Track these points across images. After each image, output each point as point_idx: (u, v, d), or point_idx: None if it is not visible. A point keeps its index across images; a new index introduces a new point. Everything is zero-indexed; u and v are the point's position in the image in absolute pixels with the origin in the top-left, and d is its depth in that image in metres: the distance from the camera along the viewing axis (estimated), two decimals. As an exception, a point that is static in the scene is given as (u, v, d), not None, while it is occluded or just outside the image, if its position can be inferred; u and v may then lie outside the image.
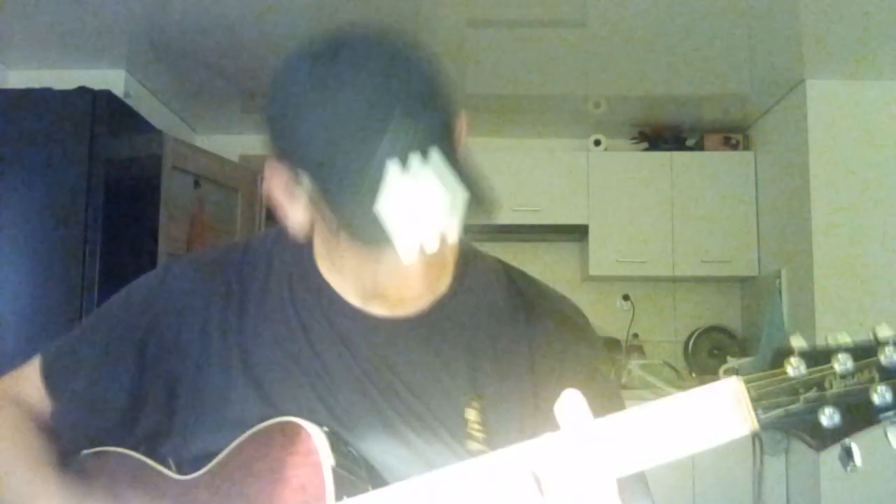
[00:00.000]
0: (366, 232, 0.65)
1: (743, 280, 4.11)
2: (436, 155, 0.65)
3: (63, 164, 2.71)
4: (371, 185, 0.64)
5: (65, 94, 2.76)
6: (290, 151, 0.70)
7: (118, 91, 3.10)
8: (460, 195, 0.64)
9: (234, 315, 0.82)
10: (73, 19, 2.85)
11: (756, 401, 0.58)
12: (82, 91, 2.76)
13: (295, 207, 0.75)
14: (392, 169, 0.64)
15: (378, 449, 0.76)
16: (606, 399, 0.82)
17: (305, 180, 0.69)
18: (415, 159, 0.64)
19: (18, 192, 2.71)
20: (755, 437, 0.61)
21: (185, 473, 0.79)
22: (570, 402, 0.63)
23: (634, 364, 3.68)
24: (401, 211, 0.63)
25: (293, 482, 0.71)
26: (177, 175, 3.44)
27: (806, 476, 3.26)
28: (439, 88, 0.69)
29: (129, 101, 3.08)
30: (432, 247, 0.71)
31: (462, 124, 0.73)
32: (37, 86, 2.86)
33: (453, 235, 0.75)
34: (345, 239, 0.68)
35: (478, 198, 0.66)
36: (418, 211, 0.63)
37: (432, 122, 0.66)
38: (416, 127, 0.64)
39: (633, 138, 4.16)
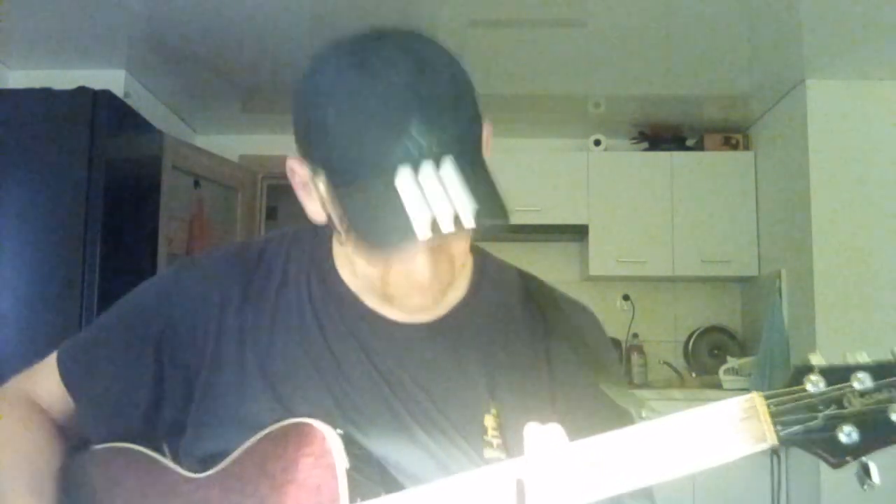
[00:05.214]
0: (375, 237, 0.64)
1: (743, 280, 4.11)
2: (454, 163, 0.64)
3: (63, 164, 2.70)
4: (384, 190, 0.63)
5: (65, 94, 2.76)
6: (309, 149, 0.70)
7: (118, 91, 3.09)
8: (474, 205, 0.63)
9: (250, 313, 0.82)
10: (73, 19, 2.85)
11: (776, 416, 0.59)
12: (82, 91, 2.75)
13: (313, 204, 0.76)
14: (407, 174, 0.63)
15: (393, 453, 0.76)
16: (622, 416, 0.82)
17: (323, 179, 0.69)
18: (430, 165, 0.63)
19: (18, 192, 2.71)
20: (773, 452, 0.63)
21: (197, 471, 0.79)
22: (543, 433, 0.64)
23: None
24: (412, 218, 0.62)
25: (308, 483, 0.71)
26: (177, 175, 3.44)
27: (806, 476, 3.26)
28: (466, 94, 0.68)
29: (129, 101, 3.08)
30: (441, 257, 0.71)
31: (488, 131, 0.73)
32: (37, 86, 2.86)
33: (463, 246, 0.75)
34: (354, 242, 0.68)
35: (493, 208, 0.65)
36: (429, 220, 0.62)
37: (455, 130, 0.65)
38: (438, 134, 0.64)
39: (633, 138, 4.16)
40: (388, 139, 0.63)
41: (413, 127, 0.63)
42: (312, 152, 0.69)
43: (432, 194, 0.62)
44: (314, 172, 0.71)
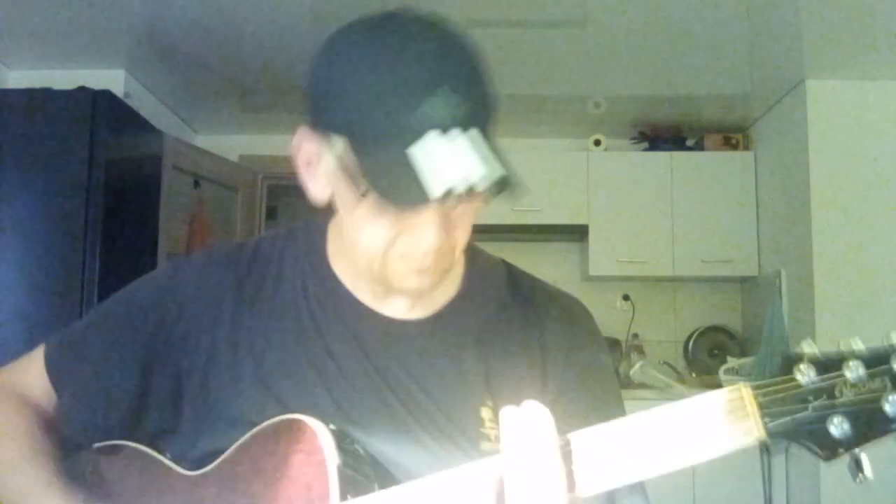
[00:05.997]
0: (396, 190, 0.65)
1: (743, 280, 4.11)
2: (477, 131, 0.66)
3: (63, 164, 2.70)
4: (410, 150, 0.65)
5: (65, 94, 2.76)
6: (329, 112, 0.70)
7: (118, 91, 3.09)
8: (494, 171, 0.65)
9: (244, 312, 0.82)
10: (73, 19, 2.85)
11: (763, 408, 0.56)
12: (82, 91, 2.76)
13: (317, 182, 0.76)
14: (434, 133, 0.65)
15: (391, 449, 0.76)
16: (611, 402, 0.83)
17: (339, 144, 0.69)
18: (457, 129, 0.65)
19: (18, 193, 2.71)
20: (764, 446, 0.61)
21: (192, 470, 0.79)
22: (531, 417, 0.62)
23: (637, 366, 3.67)
24: (435, 173, 0.64)
25: (299, 480, 0.70)
26: (177, 175, 3.44)
27: (806, 475, 3.26)
28: (486, 72, 0.71)
29: (129, 101, 3.08)
30: (448, 233, 0.71)
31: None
32: (37, 86, 2.86)
33: (466, 234, 0.75)
34: (371, 202, 0.69)
35: (509, 178, 0.67)
36: (451, 176, 0.63)
37: (478, 100, 0.68)
38: (463, 99, 0.66)
39: (633, 138, 4.16)
40: (416, 102, 0.65)
41: (441, 92, 0.65)
42: (332, 116, 0.69)
43: (459, 156, 0.64)
44: (328, 140, 0.71)
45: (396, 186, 0.65)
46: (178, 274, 0.88)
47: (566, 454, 0.60)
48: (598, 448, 0.60)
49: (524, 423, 0.60)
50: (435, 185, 0.63)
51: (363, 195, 0.69)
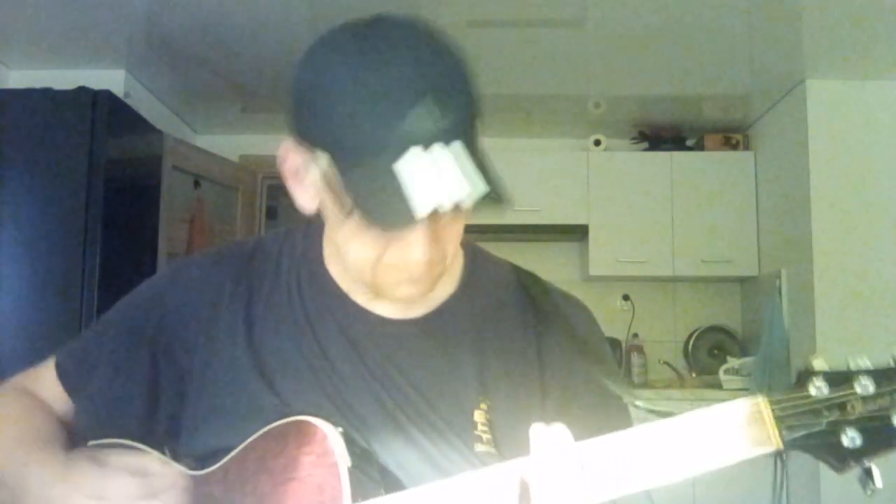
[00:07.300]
0: (380, 213, 0.65)
1: (743, 280, 4.11)
2: (460, 144, 0.65)
3: (63, 164, 2.70)
4: (391, 167, 0.64)
5: (65, 94, 2.76)
6: (311, 128, 0.70)
7: (118, 91, 3.09)
8: (478, 186, 0.64)
9: (242, 312, 0.82)
10: (73, 19, 2.85)
11: (780, 420, 0.59)
12: (82, 91, 2.75)
13: (305, 192, 0.76)
14: (415, 151, 0.64)
15: (386, 450, 0.76)
16: (613, 408, 0.83)
17: (323, 160, 0.69)
18: (439, 145, 0.64)
19: (18, 192, 2.71)
20: (777, 456, 0.65)
21: (196, 468, 0.79)
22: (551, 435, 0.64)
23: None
24: (418, 194, 0.63)
25: (309, 482, 0.71)
26: (177, 175, 3.44)
27: (806, 476, 3.26)
28: (468, 80, 0.69)
29: (129, 101, 3.08)
30: (437, 243, 0.71)
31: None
32: (37, 86, 2.86)
33: (456, 240, 0.75)
34: (357, 221, 0.68)
35: (495, 192, 0.66)
36: (435, 196, 0.63)
37: (461, 111, 0.67)
38: (445, 112, 0.65)
39: (633, 138, 4.16)
40: (397, 118, 0.64)
41: (421, 107, 0.64)
42: (315, 132, 0.69)
43: (439, 173, 0.63)
44: (312, 155, 0.70)
45: (380, 207, 0.64)
46: (177, 273, 0.89)
47: (588, 460, 0.62)
48: (618, 454, 0.62)
49: (551, 434, 0.63)
50: (419, 205, 0.63)
51: (348, 214, 0.69)
